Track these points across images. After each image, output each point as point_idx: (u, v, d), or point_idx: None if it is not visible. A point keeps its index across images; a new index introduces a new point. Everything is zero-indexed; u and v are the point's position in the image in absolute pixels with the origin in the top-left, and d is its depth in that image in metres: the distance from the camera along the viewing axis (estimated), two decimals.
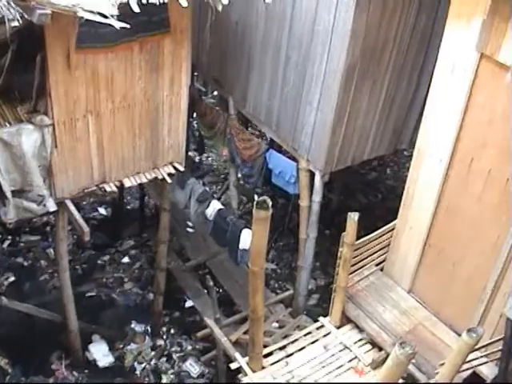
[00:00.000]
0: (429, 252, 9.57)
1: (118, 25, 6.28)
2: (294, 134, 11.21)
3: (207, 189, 13.23)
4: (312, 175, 11.31)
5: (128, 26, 6.58)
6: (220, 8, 9.00)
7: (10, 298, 11.93)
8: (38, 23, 5.85)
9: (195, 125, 15.10)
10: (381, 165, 17.85)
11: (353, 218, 9.08)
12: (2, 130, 9.04)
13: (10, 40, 8.69)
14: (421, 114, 9.26)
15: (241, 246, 10.58)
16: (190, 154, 16.15)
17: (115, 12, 6.54)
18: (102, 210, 16.16)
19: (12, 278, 13.91)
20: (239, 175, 13.77)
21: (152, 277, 13.88)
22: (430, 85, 8.77)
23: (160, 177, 10.94)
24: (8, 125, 9.34)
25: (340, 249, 9.57)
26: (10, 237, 15.02)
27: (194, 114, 13.85)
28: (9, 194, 9.28)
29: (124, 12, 7.34)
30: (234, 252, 10.77)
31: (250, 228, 10.01)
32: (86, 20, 6.46)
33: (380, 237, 10.18)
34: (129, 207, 16.36)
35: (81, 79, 9.08)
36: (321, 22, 9.89)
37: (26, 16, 6.67)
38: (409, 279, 10.05)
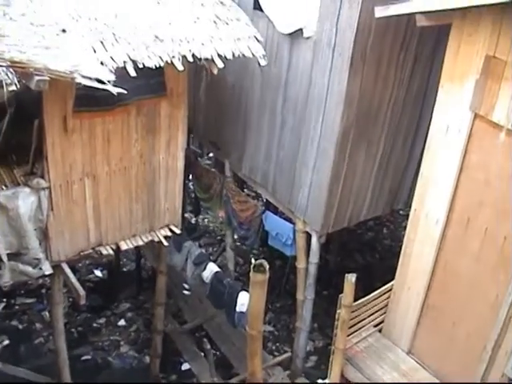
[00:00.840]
0: (427, 312, 9.43)
1: (115, 90, 6.30)
2: (290, 195, 11.19)
3: (203, 251, 13.11)
4: (309, 237, 11.25)
5: (125, 92, 6.60)
6: (215, 71, 9.09)
7: (5, 362, 11.71)
8: (36, 89, 5.86)
9: (191, 186, 15.10)
10: (377, 224, 17.81)
11: (350, 279, 8.98)
12: None
13: (7, 103, 8.78)
14: (417, 174, 9.24)
15: (238, 309, 10.43)
16: (186, 215, 16.11)
17: (112, 78, 6.57)
18: (97, 273, 16.01)
19: (6, 342, 13.65)
20: (236, 237, 13.69)
21: (148, 339, 13.63)
22: (425, 144, 8.77)
23: (156, 239, 10.85)
24: (4, 188, 9.32)
25: (338, 310, 9.43)
26: (4, 299, 14.81)
27: (190, 176, 13.86)
28: (4, 258, 9.16)
29: (121, 75, 7.38)
30: (231, 315, 10.60)
31: (246, 290, 9.91)
32: (82, 85, 6.47)
33: (378, 297, 10.04)
34: (125, 269, 16.21)
35: (77, 142, 9.09)
36: (316, 86, 9.99)
37: (23, 81, 6.70)
38: (408, 340, 9.87)
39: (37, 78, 5.71)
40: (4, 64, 5.47)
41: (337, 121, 9.76)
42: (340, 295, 9.28)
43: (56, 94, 8.33)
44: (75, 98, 8.62)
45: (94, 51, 7.95)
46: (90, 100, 8.73)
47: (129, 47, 8.25)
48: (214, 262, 12.02)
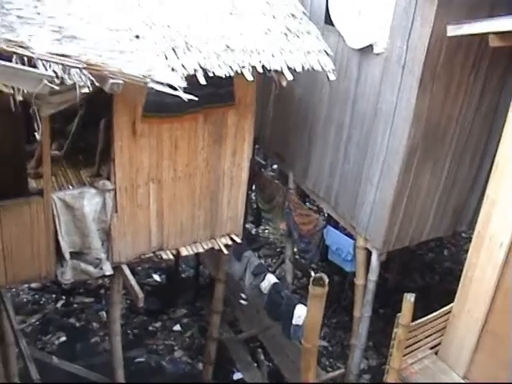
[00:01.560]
0: (486, 337, 9.12)
1: (186, 97, 6.36)
2: (352, 211, 11.09)
3: (263, 262, 13.10)
4: (369, 253, 11.12)
5: (196, 99, 6.65)
6: (284, 83, 9.09)
7: (61, 358, 11.91)
8: (110, 92, 5.96)
9: (253, 197, 15.12)
10: (438, 246, 17.49)
11: (409, 299, 8.81)
12: (65, 192, 9.20)
13: (78, 105, 8.97)
14: (482, 195, 9.00)
15: (294, 322, 10.35)
16: (247, 225, 16.12)
17: (184, 84, 6.64)
18: (156, 277, 16.15)
19: (63, 338, 13.93)
20: (295, 250, 13.62)
21: (203, 346, 13.67)
22: (492, 165, 8.55)
23: (217, 247, 10.87)
24: (71, 187, 9.52)
25: (395, 329, 9.25)
26: (64, 297, 15.12)
27: (253, 187, 13.88)
28: (67, 256, 9.35)
29: (191, 83, 7.44)
30: (287, 327, 10.53)
31: (303, 303, 9.85)
32: (154, 90, 6.55)
33: (436, 319, 9.81)
34: (183, 275, 16.30)
35: (145, 147, 9.22)
36: (384, 102, 9.91)
37: (97, 84, 6.83)
38: (464, 364, 9.56)
39: (111, 81, 5.80)
40: (80, 66, 5.57)
41: (404, 138, 9.66)
42: (398, 314, 9.11)
43: (126, 98, 8.48)
44: (145, 102, 8.77)
45: (166, 58, 8.07)
46: (160, 106, 8.84)
47: (200, 56, 8.34)
48: (273, 273, 11.97)
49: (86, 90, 6.94)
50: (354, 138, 10.75)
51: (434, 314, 9.77)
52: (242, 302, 14.74)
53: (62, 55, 5.48)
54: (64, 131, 10.62)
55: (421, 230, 11.09)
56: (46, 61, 5.85)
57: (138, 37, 7.99)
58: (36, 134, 7.41)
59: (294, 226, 12.49)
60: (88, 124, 10.43)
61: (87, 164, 10.18)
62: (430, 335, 9.97)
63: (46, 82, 5.14)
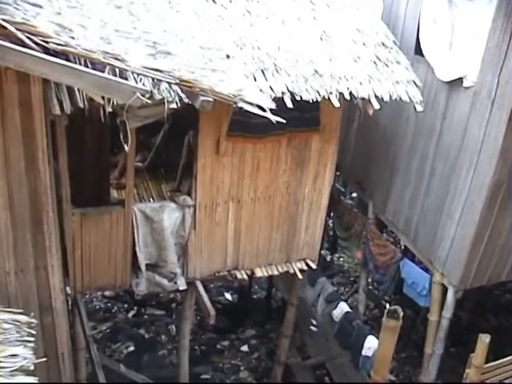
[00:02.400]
0: None
1: (274, 119, 6.35)
2: (431, 245, 10.85)
3: (336, 289, 12.94)
4: (445, 290, 10.83)
5: (284, 121, 6.64)
6: (371, 112, 8.99)
7: (128, 367, 12.02)
8: (200, 109, 6.01)
9: (331, 224, 14.98)
10: None
11: (484, 339, 8.50)
12: (145, 204, 9.36)
13: (164, 119, 9.11)
14: None
15: (364, 353, 10.17)
16: (322, 252, 15.98)
17: (273, 106, 6.64)
18: (228, 295, 16.16)
19: (132, 348, 14.05)
20: (370, 280, 13.41)
21: (269, 369, 13.55)
22: None
23: (292, 271, 10.79)
24: (152, 200, 9.66)
25: (466, 370, 8.93)
26: (135, 307, 15.30)
27: (332, 214, 13.76)
28: (143, 267, 9.47)
29: (277, 106, 7.42)
30: (356, 357, 10.36)
31: (374, 335, 9.65)
32: (241, 110, 6.58)
33: (510, 363, 9.45)
34: (255, 296, 16.26)
35: (227, 165, 9.28)
36: (470, 137, 9.70)
37: (186, 100, 6.92)
38: None
39: (202, 98, 5.84)
40: (174, 81, 5.64)
41: (488, 175, 9.41)
42: (470, 355, 8.81)
43: (213, 117, 8.56)
44: (230, 122, 8.83)
45: (255, 79, 8.10)
46: (245, 126, 8.90)
47: (288, 79, 8.33)
48: (345, 302, 11.82)
49: (173, 106, 7.08)
50: (437, 171, 10.54)
51: (509, 357, 9.42)
52: (312, 327, 14.56)
53: (156, 70, 5.55)
54: (148, 144, 10.84)
55: (500, 269, 10.75)
56: (140, 74, 5.95)
57: (228, 56, 8.06)
58: (122, 145, 7.53)
59: (370, 256, 12.31)
60: (172, 138, 10.60)
61: (168, 178, 10.36)
62: (504, 379, 9.61)
63: (138, 94, 5.20)
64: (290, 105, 8.09)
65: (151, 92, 6.63)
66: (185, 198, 9.35)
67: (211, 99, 5.88)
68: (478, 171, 9.61)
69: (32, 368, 4.94)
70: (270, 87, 8.10)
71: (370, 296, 14.67)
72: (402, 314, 7.09)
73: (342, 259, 17.81)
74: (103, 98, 6.10)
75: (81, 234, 8.91)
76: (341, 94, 8.63)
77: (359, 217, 12.74)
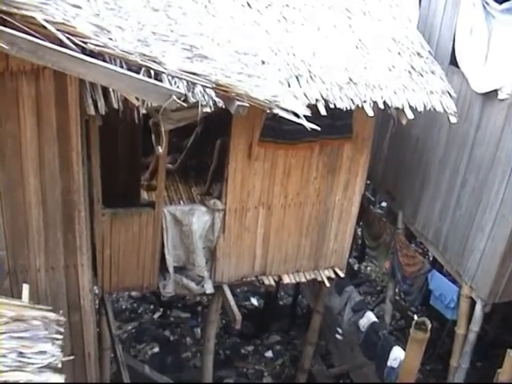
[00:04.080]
0: None
1: (309, 125, 6.32)
2: (460, 258, 10.70)
3: (362, 298, 12.85)
4: (473, 303, 10.69)
5: (318, 129, 6.60)
6: (404, 122, 8.92)
7: (152, 368, 12.06)
8: (235, 114, 6.00)
9: (359, 233, 14.90)
10: None
11: None
12: (176, 207, 9.40)
13: (197, 123, 9.16)
14: None
15: (389, 364, 10.08)
16: (350, 260, 15.90)
17: (308, 113, 6.60)
18: (253, 300, 16.14)
19: (156, 349, 14.10)
20: (397, 290, 13.31)
21: (292, 376, 13.51)
22: None
23: (319, 279, 10.76)
24: (182, 203, 9.67)
25: None
26: (161, 309, 15.36)
27: (361, 222, 13.68)
28: (171, 269, 9.50)
29: (311, 113, 7.39)
30: (381, 368, 10.27)
31: (400, 346, 9.56)
32: (274, 115, 6.55)
33: None
34: (281, 302, 16.22)
35: (259, 171, 9.29)
36: (503, 149, 9.57)
37: (221, 104, 6.93)
38: None
39: (238, 103, 5.83)
40: (210, 85, 5.64)
41: None
42: (498, 370, 8.68)
43: (246, 121, 8.57)
44: (263, 127, 8.84)
45: (289, 85, 8.10)
46: (277, 132, 8.91)
47: (322, 86, 8.30)
48: (372, 311, 11.74)
49: (207, 110, 7.09)
50: (469, 183, 10.42)
51: None
52: (338, 336, 14.46)
53: (193, 73, 5.55)
54: (179, 146, 10.86)
55: None
56: (176, 77, 5.97)
57: (263, 62, 8.07)
58: (154, 147, 7.57)
59: (398, 267, 12.20)
60: (203, 142, 10.62)
61: (198, 181, 10.39)
62: None
63: (174, 97, 5.20)
64: (323, 112, 8.06)
65: (186, 95, 6.65)
66: (215, 201, 9.36)
67: (247, 104, 5.86)
68: (511, 184, 9.47)
69: (59, 366, 4.95)
70: (304, 94, 8.09)
71: (396, 306, 14.54)
72: (430, 326, 6.99)
73: (369, 268, 17.70)
74: (138, 99, 6.12)
75: (110, 234, 8.98)
76: (375, 102, 8.59)
77: (388, 227, 12.63)
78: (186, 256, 9.55)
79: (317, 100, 8.12)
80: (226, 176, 9.15)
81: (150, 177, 10.00)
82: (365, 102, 8.49)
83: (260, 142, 8.99)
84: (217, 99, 7.03)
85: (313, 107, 7.89)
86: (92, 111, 6.84)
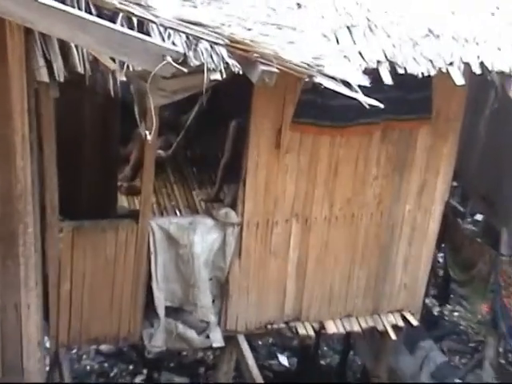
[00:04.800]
0: None
1: (367, 101, 6.35)
2: None
3: (447, 359, 12.84)
4: None
5: (381, 105, 6.62)
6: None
7: None
8: (258, 84, 6.06)
9: (441, 260, 14.90)
10: None
11: None
12: (169, 219, 9.48)
13: (202, 95, 9.18)
14: None
15: None
16: (426, 301, 15.87)
17: (366, 82, 6.66)
18: (282, 359, 16.14)
19: None
20: (501, 349, 13.29)
21: None
22: None
23: (380, 328, 10.81)
24: (178, 213, 9.76)
25: None
26: (145, 370, 15.34)
27: (443, 244, 13.66)
28: (161, 311, 9.56)
29: (370, 82, 7.44)
30: None
31: None
32: (315, 86, 6.60)
33: None
34: (323, 362, 16.24)
35: (291, 167, 9.37)
36: None
37: (235, 69, 7.00)
38: None
39: (262, 67, 5.88)
40: (220, 41, 5.68)
41: None
42: None
43: (273, 95, 8.61)
44: (298, 103, 8.90)
45: (338, 41, 8.15)
46: (319, 110, 8.99)
47: (387, 42, 8.37)
48: (461, 379, 11.74)
49: (216, 77, 7.14)
50: None
51: None
52: None
53: (195, 23, 5.62)
54: (175, 124, 10.96)
55: None
56: (171, 29, 6.03)
57: (300, 6, 8.11)
58: (140, 132, 7.64)
59: (502, 312, 12.14)
60: (210, 122, 10.69)
61: (202, 181, 10.50)
62: None
63: (169, 59, 5.28)
64: (388, 81, 8.10)
65: (185, 55, 6.72)
66: (227, 211, 9.44)
67: (275, 70, 5.93)
68: None
69: None
70: (360, 53, 8.14)
71: (501, 373, 14.49)
72: None
73: (457, 314, 17.67)
74: (114, 60, 6.21)
75: (71, 259, 9.05)
76: (466, 64, 8.58)
77: (486, 251, 12.56)
78: (184, 291, 9.64)
79: (379, 62, 8.16)
80: (244, 174, 9.23)
81: (132, 174, 10.13)
82: (451, 63, 8.50)
83: (294, 125, 9.06)
84: (231, 61, 7.05)
85: (373, 73, 7.95)
86: (45, 77, 6.79)
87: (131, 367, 15.46)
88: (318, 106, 8.91)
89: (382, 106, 6.66)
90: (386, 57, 8.22)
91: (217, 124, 10.22)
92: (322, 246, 10.02)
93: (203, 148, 10.89)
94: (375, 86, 7.62)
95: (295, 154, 9.30)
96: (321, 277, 10.21)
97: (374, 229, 10.17)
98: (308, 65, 6.15)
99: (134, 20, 6.37)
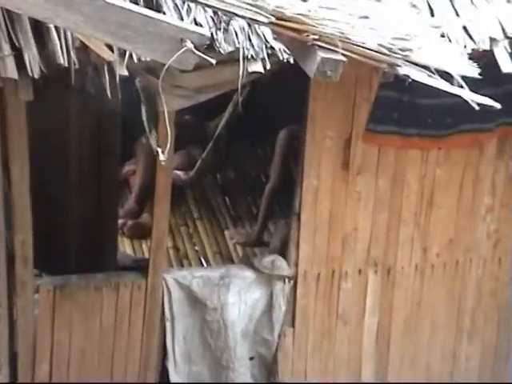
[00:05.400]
0: None
1: (479, 100, 6.24)
2: None
3: None
4: None
5: (497, 105, 6.48)
6: None
7: None
8: (316, 77, 5.96)
9: None
10: None
11: None
12: (190, 272, 9.42)
13: (237, 94, 9.17)
14: None
15: None
16: None
17: (475, 72, 6.58)
18: None
19: None
20: None
21: None
22: None
23: None
24: (204, 262, 9.71)
25: None
26: None
27: None
28: None
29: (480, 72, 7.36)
30: None
31: None
32: (398, 80, 6.53)
33: None
34: None
35: (366, 194, 9.32)
36: None
37: (283, 57, 6.95)
38: None
39: (322, 54, 5.80)
40: (264, 19, 5.61)
41: None
42: None
43: (338, 93, 8.60)
44: (374, 104, 8.85)
45: (431, 11, 8.12)
46: (404, 113, 8.95)
47: (507, 10, 8.28)
48: None
49: (257, 68, 7.10)
50: None
51: None
52: None
53: None
54: (199, 134, 10.94)
55: None
56: (191, 1, 6.00)
57: None
58: (152, 147, 7.59)
59: None
60: (248, 130, 10.66)
61: (239, 215, 10.41)
62: None
63: (189, 44, 5.20)
64: (507, 68, 8.00)
65: (213, 39, 6.69)
66: (274, 260, 9.36)
67: (341, 57, 5.85)
68: None
69: None
70: (465, 29, 8.07)
71: None
72: None
73: None
74: (111, 49, 6.17)
75: (51, 329, 9.03)
76: None
77: None
78: (214, 376, 9.59)
79: (493, 41, 8.09)
80: (299, 206, 9.16)
81: (137, 208, 10.08)
82: None
83: (369, 135, 9.00)
84: (277, 46, 7.08)
85: (485, 58, 7.85)
86: (12, 72, 6.77)
87: None
88: (403, 108, 8.87)
89: (498, 105, 6.57)
90: (504, 33, 8.15)
91: (258, 134, 10.14)
92: (413, 307, 9.93)
93: (239, 168, 10.81)
94: (487, 76, 7.54)
95: (371, 175, 9.23)
96: (411, 352, 10.12)
97: (489, 282, 10.08)
98: (389, 49, 6.07)
99: None
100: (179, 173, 10.39)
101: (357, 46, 5.92)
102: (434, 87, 6.29)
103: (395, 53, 6.06)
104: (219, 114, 10.81)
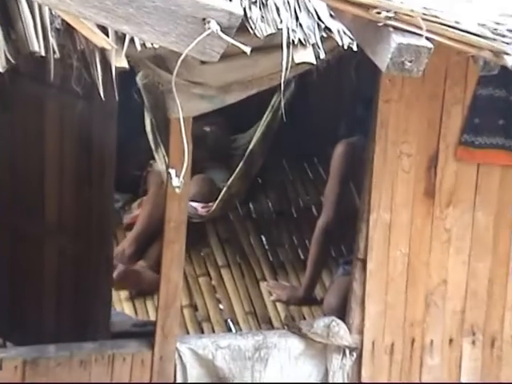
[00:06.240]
0: None
1: None
2: None
3: None
4: None
5: None
6: None
7: None
8: (389, 70, 5.97)
9: None
10: None
11: None
12: (213, 339, 9.40)
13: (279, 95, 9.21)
14: None
15: None
16: None
17: None
18: None
19: None
20: None
21: None
22: None
23: None
24: (232, 327, 9.73)
25: None
26: None
27: None
28: None
29: None
30: None
31: None
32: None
33: None
34: None
35: (459, 233, 9.33)
36: None
37: (343, 42, 6.97)
38: None
39: (398, 39, 5.82)
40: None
41: None
42: None
43: (419, 92, 8.65)
44: (471, 108, 8.85)
45: None
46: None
47: None
48: None
49: (307, 58, 7.11)
50: None
51: None
52: None
53: None
54: (225, 151, 10.97)
55: None
56: None
57: None
58: (161, 169, 7.62)
59: None
60: (291, 144, 10.69)
61: (279, 262, 10.43)
62: None
63: (215, 26, 5.22)
64: None
65: (246, 18, 6.71)
66: (330, 323, 9.37)
67: (426, 43, 5.86)
68: None
69: None
70: None
71: None
72: None
73: None
74: (106, 32, 6.20)
75: None
76: None
77: None
78: None
79: None
80: (364, 249, 9.18)
81: (134, 249, 10.12)
82: None
83: (464, 150, 9.04)
84: (335, 27, 7.07)
85: None
86: None
87: None
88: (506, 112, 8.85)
89: None
90: None
91: (305, 151, 10.14)
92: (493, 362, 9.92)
93: (279, 197, 10.83)
94: None
95: (467, 207, 9.26)
96: None
97: None
98: (493, 31, 6.09)
99: None
100: (197, 205, 10.38)
101: (447, 26, 5.94)
102: None
103: (502, 36, 6.08)
104: (252, 123, 10.82)
